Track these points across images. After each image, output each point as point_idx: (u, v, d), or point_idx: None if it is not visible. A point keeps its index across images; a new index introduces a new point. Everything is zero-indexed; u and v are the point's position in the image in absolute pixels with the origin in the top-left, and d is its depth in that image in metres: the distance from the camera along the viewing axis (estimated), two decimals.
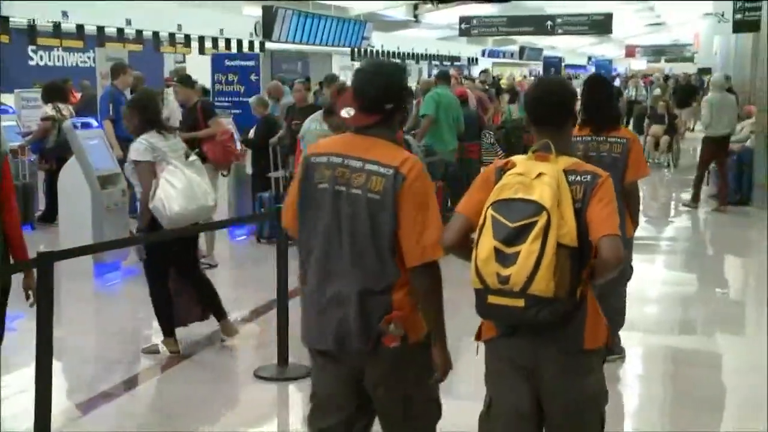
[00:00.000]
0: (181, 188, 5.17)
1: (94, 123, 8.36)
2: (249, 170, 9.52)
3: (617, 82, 29.47)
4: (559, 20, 29.10)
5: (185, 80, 8.23)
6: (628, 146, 4.77)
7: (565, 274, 2.58)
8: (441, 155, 9.19)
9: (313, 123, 7.58)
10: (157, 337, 5.61)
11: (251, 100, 10.00)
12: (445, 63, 34.68)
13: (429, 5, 30.09)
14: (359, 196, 2.78)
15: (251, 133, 9.53)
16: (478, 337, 2.88)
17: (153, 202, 5.13)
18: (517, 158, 2.81)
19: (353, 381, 2.87)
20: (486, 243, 2.61)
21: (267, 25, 22.75)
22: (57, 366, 4.32)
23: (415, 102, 11.02)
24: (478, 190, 2.81)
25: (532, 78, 30.08)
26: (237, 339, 5.68)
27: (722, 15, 20.06)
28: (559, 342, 2.72)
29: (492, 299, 2.62)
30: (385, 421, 2.96)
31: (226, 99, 11.57)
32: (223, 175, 8.44)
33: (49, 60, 18.82)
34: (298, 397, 4.78)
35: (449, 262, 2.81)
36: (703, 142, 11.19)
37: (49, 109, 9.66)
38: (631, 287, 5.29)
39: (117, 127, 8.54)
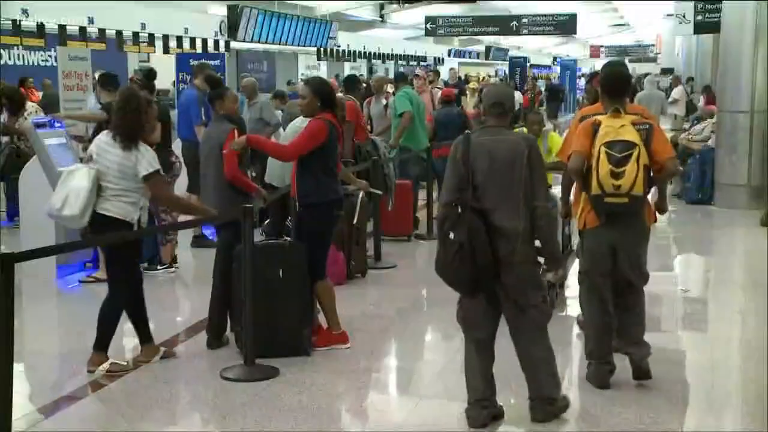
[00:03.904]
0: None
1: (56, 122, 8.22)
2: None
3: (582, 82, 29.72)
4: (524, 20, 29.24)
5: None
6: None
7: (646, 182, 4.51)
8: (415, 153, 9.14)
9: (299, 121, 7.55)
10: (124, 341, 5.55)
11: None
12: (411, 63, 34.72)
13: (395, 5, 30.10)
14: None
15: None
16: (583, 227, 4.78)
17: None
18: (599, 117, 4.64)
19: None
20: (604, 166, 4.45)
21: (232, 25, 22.65)
22: (18, 369, 4.25)
23: (365, 102, 10.70)
24: (584, 138, 4.61)
25: (498, 78, 30.24)
26: (203, 340, 5.64)
27: (683, 16, 20.32)
28: (635, 221, 4.65)
29: (608, 199, 4.49)
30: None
31: None
32: None
33: (9, 59, 18.54)
34: (265, 398, 4.75)
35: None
36: None
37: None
38: None
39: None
